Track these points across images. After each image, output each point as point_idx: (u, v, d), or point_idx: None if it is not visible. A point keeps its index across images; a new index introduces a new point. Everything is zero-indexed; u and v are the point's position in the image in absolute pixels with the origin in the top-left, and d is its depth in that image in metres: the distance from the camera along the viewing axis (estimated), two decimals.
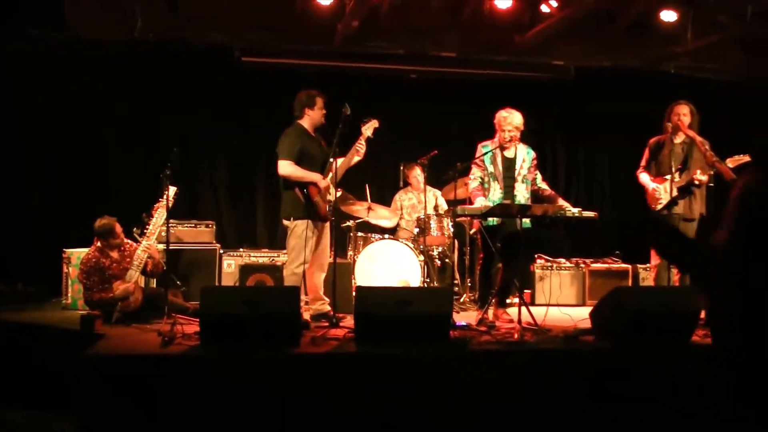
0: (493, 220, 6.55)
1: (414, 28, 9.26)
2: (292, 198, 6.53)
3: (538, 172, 6.96)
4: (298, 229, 6.47)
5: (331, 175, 6.53)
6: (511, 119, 6.67)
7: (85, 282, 6.59)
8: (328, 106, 6.78)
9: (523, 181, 6.74)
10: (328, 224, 6.74)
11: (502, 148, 6.71)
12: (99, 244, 6.72)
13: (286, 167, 6.47)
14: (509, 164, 6.73)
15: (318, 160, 6.60)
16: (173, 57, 8.95)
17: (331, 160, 6.53)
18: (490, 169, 6.71)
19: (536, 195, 6.85)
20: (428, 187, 8.17)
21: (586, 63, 9.90)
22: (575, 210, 6.42)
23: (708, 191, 6.88)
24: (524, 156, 6.79)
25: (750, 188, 3.43)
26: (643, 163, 7.16)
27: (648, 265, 7.72)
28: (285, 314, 5.22)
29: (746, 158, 6.46)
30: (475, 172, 6.79)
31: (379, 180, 9.30)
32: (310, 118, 6.66)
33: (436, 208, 8.43)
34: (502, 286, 6.78)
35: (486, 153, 6.71)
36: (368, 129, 6.67)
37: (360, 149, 6.62)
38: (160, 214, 6.66)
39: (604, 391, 5.16)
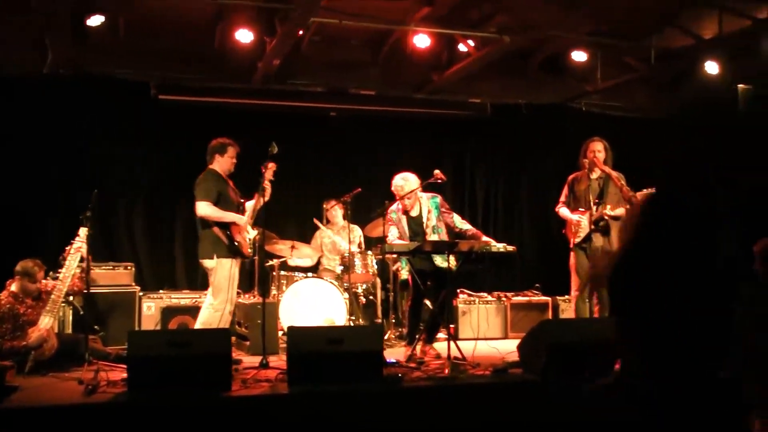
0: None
1: (335, 64, 9.33)
2: (212, 238, 6.50)
3: (454, 213, 7.02)
4: (225, 267, 6.43)
5: (248, 214, 6.65)
6: (408, 187, 6.75)
7: None
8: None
9: (434, 231, 6.80)
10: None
11: (406, 212, 6.82)
12: (14, 288, 6.36)
13: (204, 208, 6.48)
14: (416, 222, 6.83)
15: (234, 203, 6.66)
16: (86, 93, 8.63)
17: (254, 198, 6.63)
18: (399, 228, 6.82)
19: (461, 236, 6.85)
20: (351, 225, 8.16)
21: (503, 100, 10.15)
22: (500, 245, 6.52)
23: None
24: (429, 207, 6.86)
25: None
26: (562, 198, 7.34)
27: (567, 297, 7.88)
28: (215, 356, 5.11)
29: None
30: (393, 230, 6.83)
31: (301, 217, 9.22)
32: (220, 165, 6.69)
33: (359, 245, 8.41)
34: (431, 322, 6.82)
35: (393, 214, 6.80)
36: (269, 172, 6.63)
37: (266, 189, 6.62)
38: (73, 258, 6.38)
39: (536, 424, 5.22)
